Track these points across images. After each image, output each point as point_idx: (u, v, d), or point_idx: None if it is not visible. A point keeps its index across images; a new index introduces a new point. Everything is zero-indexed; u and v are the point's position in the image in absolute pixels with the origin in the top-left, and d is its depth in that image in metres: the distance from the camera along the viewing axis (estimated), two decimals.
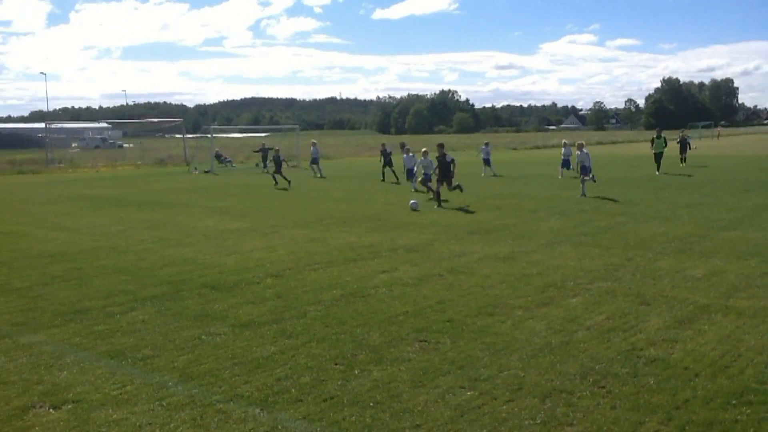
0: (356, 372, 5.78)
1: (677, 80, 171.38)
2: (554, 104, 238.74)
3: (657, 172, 26.97)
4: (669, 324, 6.94)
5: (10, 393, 5.48)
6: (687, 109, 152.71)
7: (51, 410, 5.13)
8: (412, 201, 17.12)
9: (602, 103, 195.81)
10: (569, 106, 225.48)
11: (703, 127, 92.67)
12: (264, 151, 34.90)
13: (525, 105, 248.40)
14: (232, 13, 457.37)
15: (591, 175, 19.54)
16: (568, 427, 4.68)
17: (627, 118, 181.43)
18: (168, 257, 11.15)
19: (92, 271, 10.15)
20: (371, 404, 5.11)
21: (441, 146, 17.97)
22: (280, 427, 4.77)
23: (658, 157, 27.90)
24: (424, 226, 14.00)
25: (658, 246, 11.17)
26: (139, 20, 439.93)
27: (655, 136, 28.57)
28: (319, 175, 29.29)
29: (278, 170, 24.80)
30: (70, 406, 5.19)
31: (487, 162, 28.42)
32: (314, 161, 30.46)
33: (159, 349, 6.52)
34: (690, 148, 32.06)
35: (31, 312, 7.96)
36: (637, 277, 9.06)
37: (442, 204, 17.28)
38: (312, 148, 30.97)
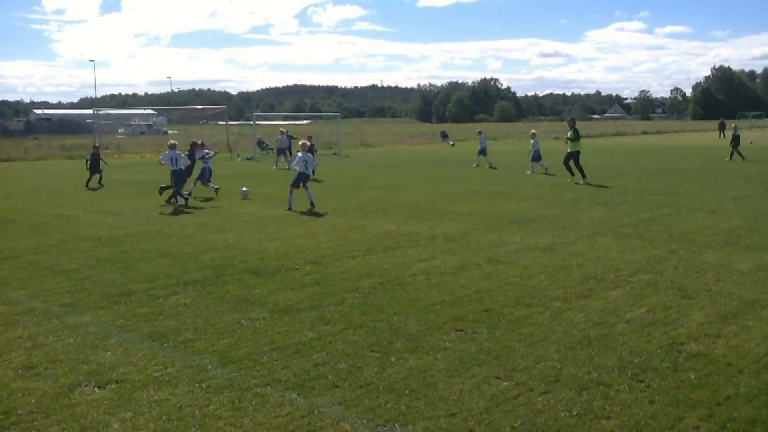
0: (392, 359, 5.81)
1: (729, 69, 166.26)
2: (599, 93, 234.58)
3: (578, 180, 20.04)
4: (712, 319, 6.79)
5: (58, 372, 5.67)
6: (737, 98, 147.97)
7: (96, 389, 5.29)
8: (243, 188, 17.37)
9: (648, 92, 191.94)
10: (614, 94, 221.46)
11: (753, 117, 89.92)
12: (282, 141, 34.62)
13: (569, 93, 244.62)
14: (279, 0, 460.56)
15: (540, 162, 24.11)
16: (605, 420, 4.64)
17: (673, 107, 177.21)
18: (210, 242, 11.34)
19: (137, 255, 10.39)
20: (407, 392, 5.14)
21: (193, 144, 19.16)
22: (316, 411, 4.84)
23: (572, 158, 20.52)
24: (463, 215, 13.94)
25: (703, 239, 10.92)
26: (189, 8, 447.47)
27: (570, 132, 20.69)
28: (286, 168, 26.39)
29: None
30: (114, 386, 5.35)
31: (483, 152, 27.50)
32: (281, 151, 28.86)
33: (200, 332, 6.65)
34: (740, 142, 28.91)
35: (79, 293, 8.20)
36: (680, 270, 8.89)
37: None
38: (279, 136, 29.11)
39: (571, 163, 20.63)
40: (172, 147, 16.77)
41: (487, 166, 26.87)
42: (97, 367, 5.74)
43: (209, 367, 5.73)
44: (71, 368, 5.74)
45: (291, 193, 15.45)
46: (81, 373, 5.61)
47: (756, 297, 7.53)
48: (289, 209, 15.04)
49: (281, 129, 30.95)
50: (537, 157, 24.37)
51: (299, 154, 15.91)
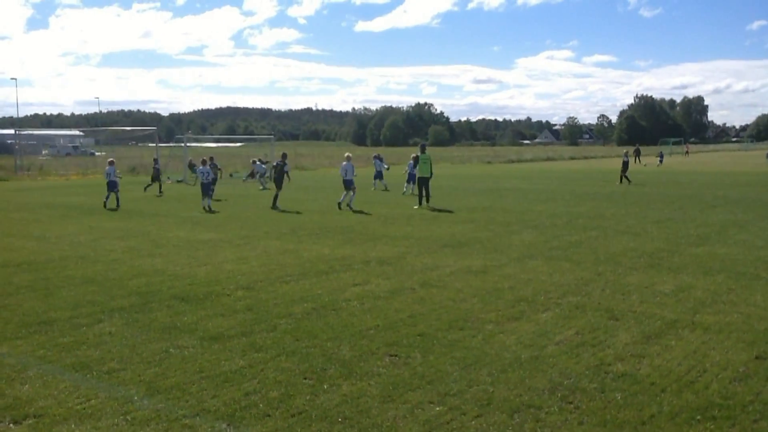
0: (325, 386, 5.74)
1: (651, 97, 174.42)
2: (529, 119, 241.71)
3: (418, 205, 20.25)
4: (637, 339, 7.01)
5: None
6: (659, 125, 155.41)
7: (11, 425, 5.02)
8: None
9: (576, 118, 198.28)
10: (544, 120, 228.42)
11: (674, 143, 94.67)
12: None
13: (500, 119, 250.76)
14: (215, 22, 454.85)
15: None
16: None
17: (600, 133, 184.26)
18: (138, 268, 11.01)
19: (59, 282, 9.98)
20: (340, 419, 5.07)
21: (284, 156, 21.76)
22: None
23: (422, 184, 20.58)
24: (398, 238, 14.01)
25: (628, 261, 11.30)
26: (121, 27, 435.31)
27: (419, 153, 21.19)
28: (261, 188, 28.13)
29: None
30: (31, 421, 5.08)
31: (379, 175, 29.05)
32: (253, 175, 31.04)
33: (126, 362, 6.42)
34: (628, 168, 31.00)
35: None
36: (606, 292, 9.15)
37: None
38: (257, 162, 31.24)
39: (423, 189, 20.60)
40: (349, 159, 20.95)
41: (383, 189, 27.98)
42: (13, 402, 5.45)
43: (135, 398, 5.52)
44: None
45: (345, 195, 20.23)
46: None
47: (677, 317, 7.82)
48: (340, 206, 20.01)
49: (260, 157, 33.08)
50: (378, 176, 28.53)
51: (343, 163, 20.86)
